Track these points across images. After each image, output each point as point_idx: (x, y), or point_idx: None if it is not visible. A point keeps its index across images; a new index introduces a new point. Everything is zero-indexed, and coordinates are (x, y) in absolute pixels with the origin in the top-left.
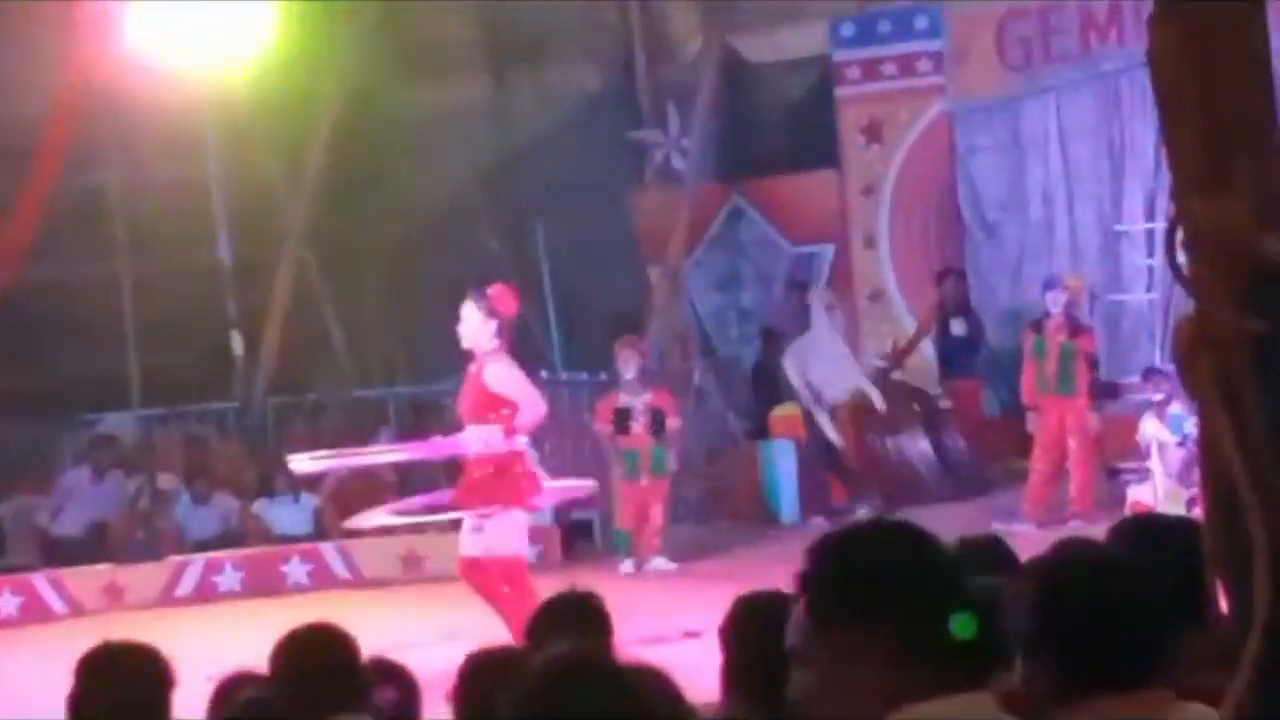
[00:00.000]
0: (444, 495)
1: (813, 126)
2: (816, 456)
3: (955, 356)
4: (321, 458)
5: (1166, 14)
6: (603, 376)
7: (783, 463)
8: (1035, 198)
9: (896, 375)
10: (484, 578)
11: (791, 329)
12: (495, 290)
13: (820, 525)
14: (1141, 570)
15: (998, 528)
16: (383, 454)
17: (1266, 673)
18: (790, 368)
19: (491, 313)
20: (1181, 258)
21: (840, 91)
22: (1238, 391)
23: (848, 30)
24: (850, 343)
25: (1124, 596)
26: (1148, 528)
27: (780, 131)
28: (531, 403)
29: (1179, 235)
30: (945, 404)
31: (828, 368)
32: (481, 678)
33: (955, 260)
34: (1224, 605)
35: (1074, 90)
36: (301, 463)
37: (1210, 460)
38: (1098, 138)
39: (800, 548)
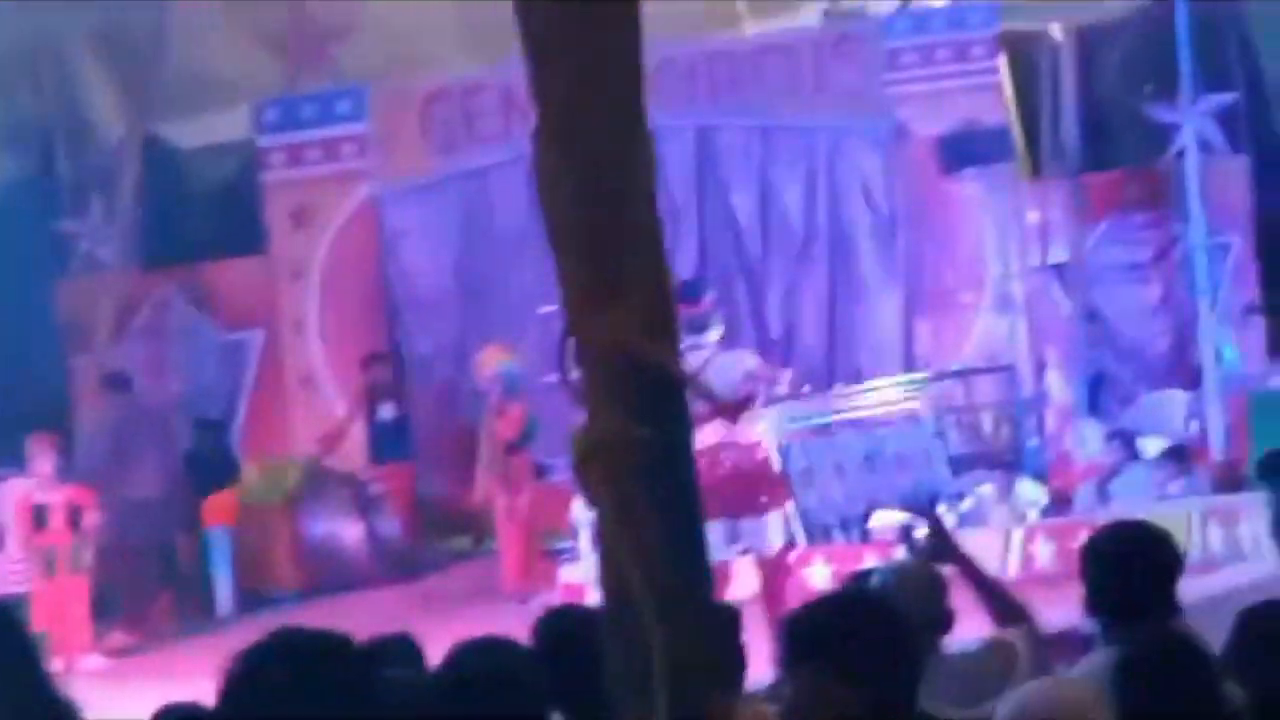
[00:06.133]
0: None
1: (241, 212)
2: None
3: (386, 440)
4: None
5: (550, 143)
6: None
7: (217, 552)
8: (468, 280)
9: (327, 462)
10: None
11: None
12: None
13: (255, 621)
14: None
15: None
16: None
17: None
18: None
19: None
20: (573, 369)
21: (266, 176)
22: (630, 496)
23: (272, 114)
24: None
25: None
26: (566, 620)
27: (208, 217)
28: None
29: (569, 346)
30: (377, 488)
31: None
32: None
33: (387, 344)
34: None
35: (500, 170)
36: None
37: (607, 563)
38: (528, 217)
39: (233, 645)
